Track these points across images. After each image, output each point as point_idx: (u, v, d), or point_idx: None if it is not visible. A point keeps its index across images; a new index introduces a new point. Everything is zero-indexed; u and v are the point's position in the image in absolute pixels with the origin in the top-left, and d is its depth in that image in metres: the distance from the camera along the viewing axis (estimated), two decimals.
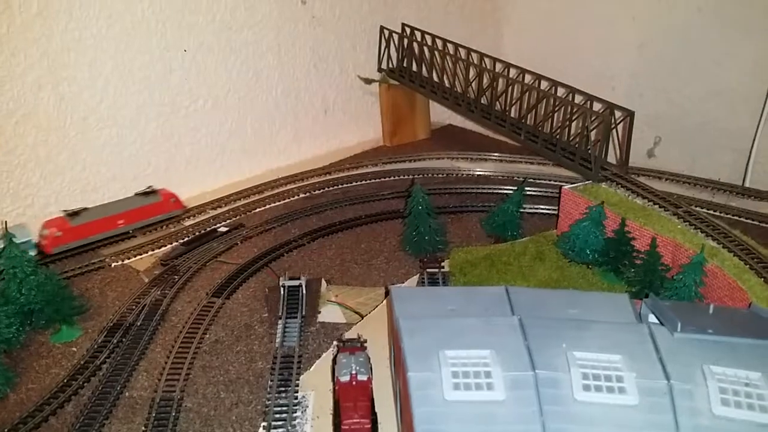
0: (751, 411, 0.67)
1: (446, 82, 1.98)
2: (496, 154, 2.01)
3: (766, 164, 1.87)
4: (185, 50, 1.74)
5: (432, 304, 0.95)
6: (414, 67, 2.06)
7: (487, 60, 1.84)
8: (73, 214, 1.54)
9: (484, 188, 1.79)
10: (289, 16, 1.94)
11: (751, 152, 1.88)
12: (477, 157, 2.01)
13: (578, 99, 1.54)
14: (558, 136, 1.59)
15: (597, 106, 1.50)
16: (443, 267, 1.34)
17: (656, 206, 1.32)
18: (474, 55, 1.86)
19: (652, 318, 0.89)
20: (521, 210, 1.52)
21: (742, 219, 1.58)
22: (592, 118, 1.46)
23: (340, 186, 1.85)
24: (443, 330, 0.83)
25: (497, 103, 1.78)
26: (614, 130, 1.47)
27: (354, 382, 0.94)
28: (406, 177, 1.88)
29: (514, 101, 1.74)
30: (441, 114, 2.43)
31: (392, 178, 1.89)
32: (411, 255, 1.45)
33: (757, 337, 0.80)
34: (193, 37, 1.75)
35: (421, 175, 1.89)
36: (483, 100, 1.82)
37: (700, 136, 2.12)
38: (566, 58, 2.37)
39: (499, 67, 1.79)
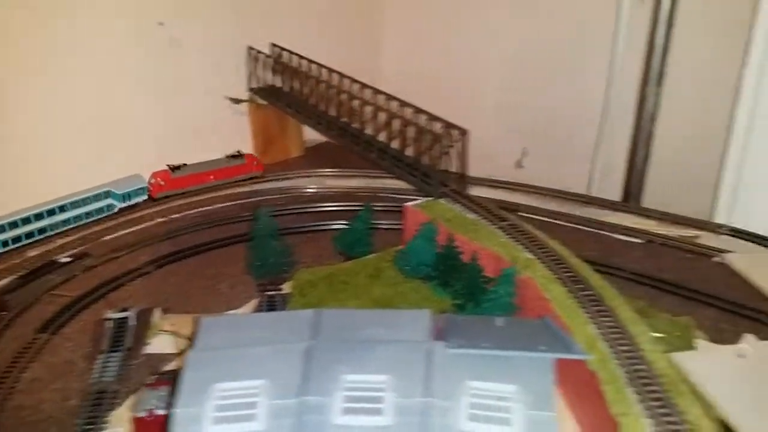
0: (495, 425, 0.70)
1: (310, 101, 2.00)
2: (366, 171, 2.02)
3: (608, 174, 1.98)
4: None
5: (237, 333, 0.94)
6: (282, 87, 2.08)
7: (346, 80, 1.87)
8: (175, 168, 1.91)
9: (342, 206, 1.79)
10: (145, 38, 1.91)
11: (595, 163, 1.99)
12: (346, 174, 2.03)
13: (425, 119, 1.58)
14: (405, 155, 1.64)
15: (438, 126, 1.54)
16: (281, 290, 1.34)
17: (485, 220, 1.37)
18: (335, 75, 1.89)
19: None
20: (374, 226, 1.55)
21: (583, 227, 1.67)
22: (431, 137, 1.51)
23: (200, 209, 1.82)
24: (227, 362, 0.83)
25: (354, 122, 1.81)
26: (455, 148, 1.52)
27: (151, 418, 0.92)
28: (271, 197, 1.88)
29: (367, 121, 1.77)
30: (316, 132, 2.45)
31: (257, 198, 1.88)
32: (256, 278, 1.45)
33: (533, 350, 0.83)
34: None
35: (283, 195, 1.89)
36: (343, 120, 1.85)
37: (561, 148, 2.22)
38: (439, 74, 2.44)
39: (356, 87, 1.82)
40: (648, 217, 1.69)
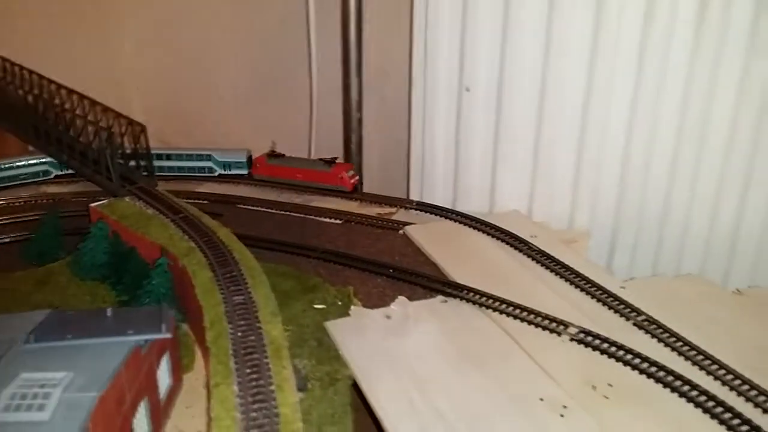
0: (30, 411, 0.69)
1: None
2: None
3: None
4: None
5: None
6: None
7: (45, 81, 1.76)
8: (273, 155, 1.89)
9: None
10: None
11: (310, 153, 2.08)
12: (64, 181, 1.92)
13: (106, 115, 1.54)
14: (91, 153, 1.59)
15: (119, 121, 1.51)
16: None
17: (161, 215, 1.36)
18: (34, 76, 1.77)
19: None
20: (77, 232, 1.47)
21: (293, 213, 1.74)
22: (110, 134, 1.48)
23: None
24: None
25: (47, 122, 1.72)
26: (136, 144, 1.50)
27: None
28: None
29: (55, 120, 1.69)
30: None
31: None
32: None
33: (116, 336, 0.84)
34: None
35: None
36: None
37: (284, 139, 2.30)
38: (178, 74, 2.40)
39: (52, 86, 1.72)
40: (352, 200, 1.79)
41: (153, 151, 1.60)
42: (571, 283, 1.30)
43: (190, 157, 1.95)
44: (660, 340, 1.12)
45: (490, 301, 1.23)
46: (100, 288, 1.31)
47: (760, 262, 1.44)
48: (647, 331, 1.14)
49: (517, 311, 1.20)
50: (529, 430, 0.93)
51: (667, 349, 1.10)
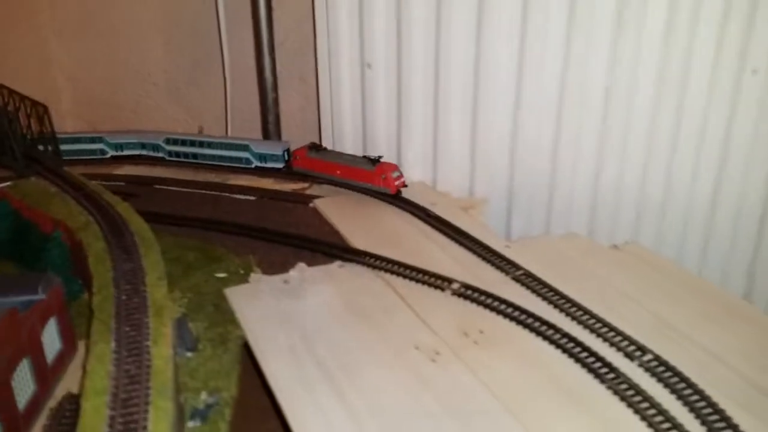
0: None
1: None
2: None
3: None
4: None
5: None
6: None
7: None
8: (314, 148, 1.75)
9: None
10: None
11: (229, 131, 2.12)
12: None
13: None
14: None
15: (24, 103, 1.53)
16: None
17: (64, 192, 1.39)
18: None
19: None
20: None
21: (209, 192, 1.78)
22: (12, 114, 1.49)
23: None
24: None
25: None
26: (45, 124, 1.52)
27: None
28: None
29: None
30: None
31: None
32: None
33: None
34: None
35: None
36: None
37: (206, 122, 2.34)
38: (107, 59, 2.40)
39: None
40: (267, 177, 1.84)
41: (188, 138, 1.77)
42: (461, 244, 1.38)
43: (225, 146, 1.87)
44: (533, 291, 1.20)
45: (384, 263, 1.30)
46: (7, 266, 1.34)
47: (641, 219, 1.55)
48: (523, 284, 1.22)
49: (407, 271, 1.27)
50: (401, 373, 1.00)
51: (539, 299, 1.18)
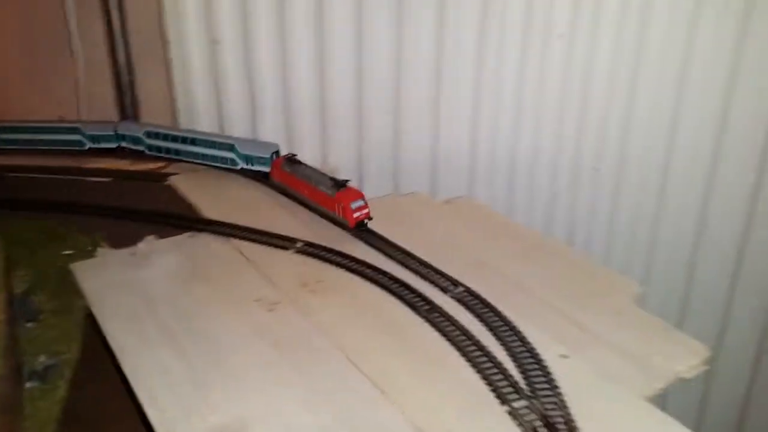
0: None
1: None
2: None
3: None
4: None
5: None
6: None
7: None
8: (290, 160, 1.53)
9: None
10: None
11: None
12: None
13: None
14: None
15: None
16: None
17: None
18: None
19: None
20: None
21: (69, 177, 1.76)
22: None
23: None
24: None
25: None
26: None
27: None
28: None
29: None
30: None
31: None
32: None
33: None
34: None
35: None
36: None
37: None
38: None
39: None
40: (125, 158, 1.84)
41: (169, 133, 1.66)
42: (309, 208, 1.46)
43: (212, 145, 1.67)
44: (369, 244, 1.30)
45: (232, 230, 1.36)
46: None
47: (473, 177, 1.71)
48: (361, 239, 1.33)
49: (254, 235, 1.34)
50: (239, 322, 1.07)
51: (374, 250, 1.28)
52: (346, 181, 1.40)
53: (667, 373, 0.93)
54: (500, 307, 1.07)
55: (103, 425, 0.96)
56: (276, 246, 1.31)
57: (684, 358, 0.96)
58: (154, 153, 1.77)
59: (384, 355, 0.99)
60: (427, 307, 1.08)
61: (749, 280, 1.74)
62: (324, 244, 1.29)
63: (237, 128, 1.75)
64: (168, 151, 1.75)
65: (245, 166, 1.64)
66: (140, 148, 1.79)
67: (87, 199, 1.59)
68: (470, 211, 1.48)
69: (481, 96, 1.64)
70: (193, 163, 1.71)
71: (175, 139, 1.73)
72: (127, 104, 2.04)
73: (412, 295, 1.12)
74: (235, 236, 1.35)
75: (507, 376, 0.91)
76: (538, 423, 0.83)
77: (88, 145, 1.82)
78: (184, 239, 1.37)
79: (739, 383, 1.85)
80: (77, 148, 1.83)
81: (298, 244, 1.30)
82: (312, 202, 1.45)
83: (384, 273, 1.19)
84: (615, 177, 1.68)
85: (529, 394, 0.88)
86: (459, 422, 0.85)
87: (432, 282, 1.16)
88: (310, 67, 1.67)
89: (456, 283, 1.14)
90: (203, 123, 1.81)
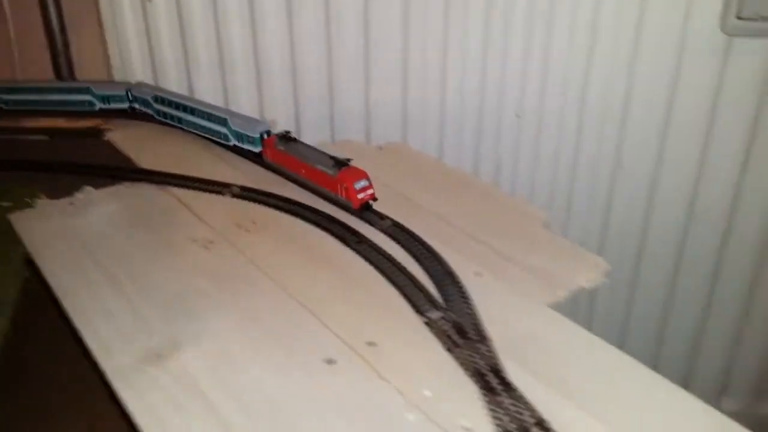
0: None
1: None
2: None
3: None
4: None
5: None
6: None
7: None
8: (284, 138, 1.42)
9: None
10: None
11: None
12: None
13: None
14: None
15: None
16: None
17: None
18: None
19: None
20: None
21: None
22: None
23: None
24: None
25: None
26: None
27: None
28: None
29: None
30: None
31: None
32: None
33: None
34: None
35: None
36: None
37: None
38: None
39: None
40: (57, 116, 1.84)
41: (174, 100, 1.60)
42: (246, 158, 1.51)
43: (208, 117, 1.57)
44: (302, 185, 1.37)
45: (169, 179, 1.40)
46: None
47: (407, 125, 1.79)
48: (295, 181, 1.39)
49: (191, 183, 1.38)
50: (177, 260, 1.12)
51: (307, 192, 1.35)
52: (348, 160, 1.32)
53: (570, 284, 1.03)
54: (424, 237, 1.15)
55: (44, 360, 1.01)
56: (212, 191, 1.35)
57: (586, 272, 1.06)
58: (161, 119, 1.68)
59: (314, 282, 1.06)
60: (355, 239, 1.15)
61: (662, 196, 1.84)
62: (259, 188, 1.34)
63: (173, 86, 1.77)
64: (172, 118, 1.65)
65: (237, 144, 1.53)
66: (150, 111, 1.70)
67: (23, 156, 1.60)
68: (401, 155, 1.55)
69: (409, 46, 1.71)
70: (195, 134, 1.61)
71: (177, 107, 1.63)
72: (63, 64, 2.03)
73: (343, 230, 1.19)
74: (171, 184, 1.39)
75: (425, 292, 1.00)
76: (452, 331, 0.92)
77: (99, 105, 1.76)
78: (122, 189, 1.40)
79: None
80: (87, 108, 1.77)
81: (234, 189, 1.35)
82: (311, 183, 1.34)
83: (316, 211, 1.25)
84: (536, 123, 1.78)
85: (444, 306, 0.97)
86: (379, 333, 0.93)
87: (361, 217, 1.23)
88: (243, 22, 1.70)
89: (383, 217, 1.21)
90: (137, 75, 1.82)
